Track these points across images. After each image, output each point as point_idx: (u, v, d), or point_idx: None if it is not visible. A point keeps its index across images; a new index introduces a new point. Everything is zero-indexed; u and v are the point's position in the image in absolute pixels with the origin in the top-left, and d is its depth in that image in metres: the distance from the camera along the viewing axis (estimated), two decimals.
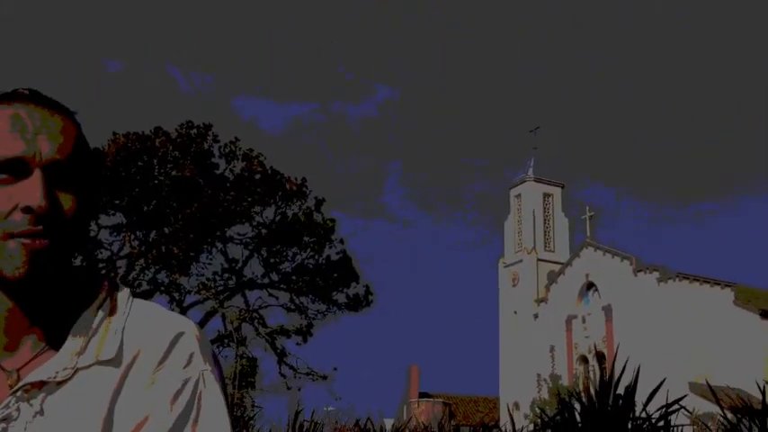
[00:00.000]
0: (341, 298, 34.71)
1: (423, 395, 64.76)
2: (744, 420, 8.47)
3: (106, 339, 1.38)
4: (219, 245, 33.29)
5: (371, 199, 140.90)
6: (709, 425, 9.65)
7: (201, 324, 33.08)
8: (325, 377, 34.26)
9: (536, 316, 59.02)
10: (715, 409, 9.12)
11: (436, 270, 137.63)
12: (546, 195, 64.33)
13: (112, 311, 1.42)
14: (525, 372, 56.12)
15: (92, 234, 30.40)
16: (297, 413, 11.26)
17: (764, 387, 8.49)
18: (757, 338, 48.32)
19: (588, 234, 56.91)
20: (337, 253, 34.32)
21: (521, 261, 61.74)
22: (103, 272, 1.64)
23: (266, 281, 34.21)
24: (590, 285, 55.71)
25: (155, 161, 31.03)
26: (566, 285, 57.34)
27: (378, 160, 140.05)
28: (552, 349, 55.97)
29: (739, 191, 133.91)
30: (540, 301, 59.25)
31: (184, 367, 1.37)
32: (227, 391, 1.44)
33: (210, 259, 33.32)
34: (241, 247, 33.57)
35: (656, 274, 50.78)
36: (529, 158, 65.76)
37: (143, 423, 1.33)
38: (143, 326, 1.41)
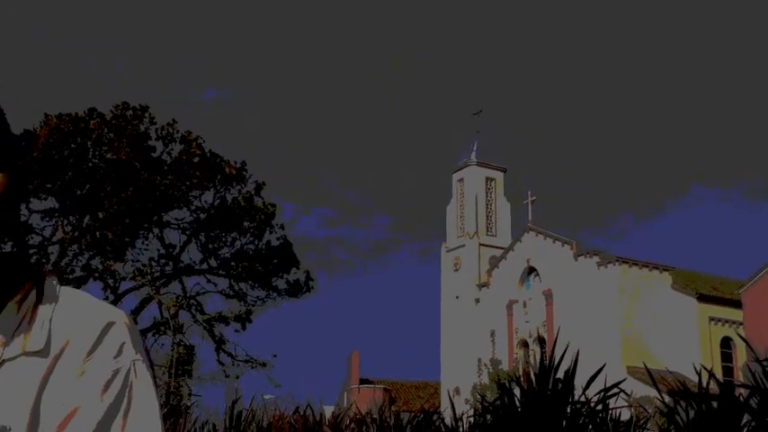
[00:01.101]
0: (281, 284, 34.63)
1: (363, 381, 65.00)
2: (681, 403, 8.68)
3: (33, 330, 1.36)
4: (156, 230, 32.90)
5: (312, 183, 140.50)
6: (646, 408, 9.87)
7: (137, 311, 32.71)
8: (264, 364, 34.17)
9: (477, 301, 59.59)
10: (653, 392, 9.33)
11: (378, 255, 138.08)
12: (488, 180, 64.86)
13: (40, 301, 1.40)
14: (466, 357, 56.71)
15: (22, 219, 29.74)
16: (234, 401, 11.21)
17: (701, 370, 8.71)
18: (695, 322, 49.53)
19: (530, 219, 57.60)
20: (278, 238, 34.20)
21: (463, 246, 62.22)
22: (34, 258, 1.61)
23: (204, 267, 33.93)
24: (531, 270, 56.44)
25: (89, 143, 30.49)
26: (507, 270, 57.99)
27: (319, 142, 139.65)
28: (493, 334, 56.62)
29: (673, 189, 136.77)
30: (481, 285, 59.83)
31: (115, 357, 1.35)
32: (157, 381, 1.44)
33: (147, 245, 32.94)
34: (179, 232, 33.23)
35: (596, 258, 51.66)
36: (471, 142, 66.20)
37: (73, 414, 1.31)
38: (72, 315, 1.39)
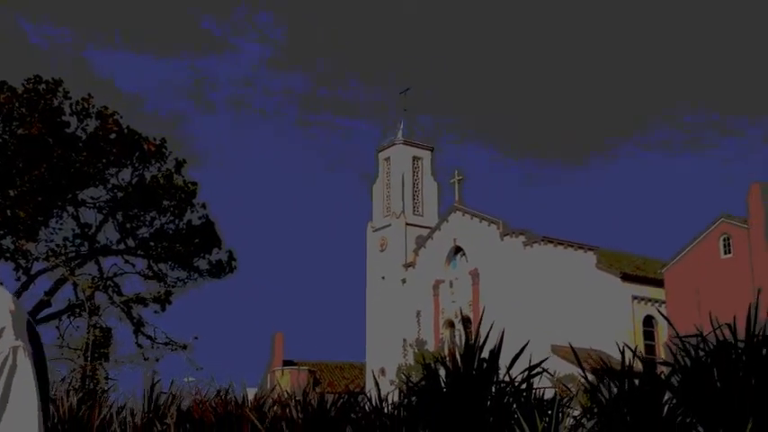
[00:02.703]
0: (202, 264, 34.26)
1: (287, 363, 64.95)
2: (604, 381, 8.89)
3: None
4: (71, 209, 32.17)
5: (237, 158, 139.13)
6: (570, 386, 10.08)
7: (50, 293, 32.04)
8: (185, 347, 33.82)
9: (404, 281, 59.96)
10: (577, 370, 9.53)
11: (303, 234, 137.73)
12: (415, 159, 65.12)
13: None
14: (392, 337, 57.10)
15: None
16: (153, 385, 11.08)
17: (624, 348, 8.93)
18: (619, 301, 50.77)
19: (456, 198, 58.10)
20: (199, 218, 33.77)
21: (389, 225, 62.45)
22: None
23: (122, 247, 33.36)
24: (458, 250, 57.00)
25: None
26: (434, 250, 58.45)
27: (245, 119, 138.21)
28: (419, 314, 57.09)
29: (603, 153, 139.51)
30: (407, 265, 60.20)
31: None
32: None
33: (61, 224, 32.19)
34: (94, 211, 32.55)
35: (522, 238, 52.43)
36: (399, 121, 66.32)
37: None
38: None
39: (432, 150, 66.01)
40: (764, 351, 7.88)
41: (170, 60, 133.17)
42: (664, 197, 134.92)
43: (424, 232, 60.72)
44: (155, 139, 32.13)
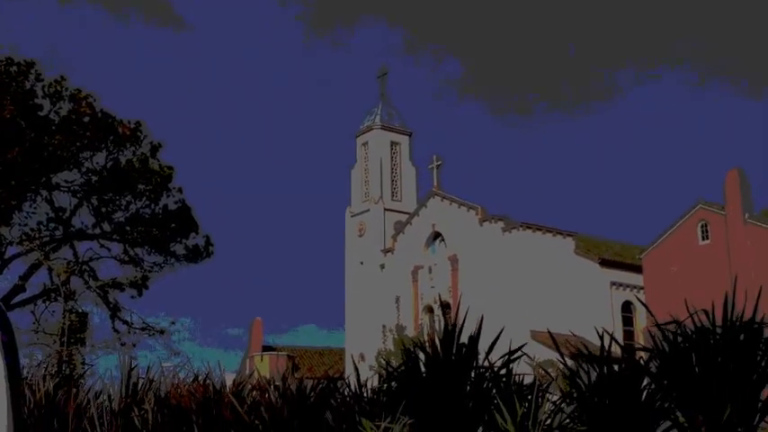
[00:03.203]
0: (179, 249, 34.19)
1: (266, 348, 64.97)
2: (583, 366, 8.98)
3: None
4: (45, 192, 31.95)
5: (214, 142, 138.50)
6: (549, 372, 10.17)
7: (25, 277, 31.86)
8: (162, 332, 33.80)
9: (382, 266, 60.03)
10: (556, 356, 9.61)
11: (281, 220, 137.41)
12: (393, 143, 65.09)
13: None
14: (371, 323, 57.22)
15: None
16: (130, 370, 11.07)
17: (603, 334, 9.02)
18: (597, 286, 51.10)
19: (435, 184, 58.15)
20: (175, 202, 33.67)
21: (368, 211, 62.45)
22: None
23: (97, 231, 33.20)
24: (436, 235, 57.11)
25: None
26: (412, 236, 58.53)
27: (223, 100, 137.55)
28: (398, 300, 57.23)
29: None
30: (386, 251, 60.26)
31: None
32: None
33: (35, 208, 31.97)
34: (69, 194, 32.36)
35: (501, 223, 52.60)
36: (376, 104, 66.23)
37: None
38: None
39: (410, 135, 65.99)
40: (742, 337, 7.99)
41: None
42: (647, 178, 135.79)
43: (403, 218, 60.76)
44: (129, 123, 31.95)
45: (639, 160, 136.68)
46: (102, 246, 33.46)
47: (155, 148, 32.73)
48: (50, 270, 31.71)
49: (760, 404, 8.05)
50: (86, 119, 30.80)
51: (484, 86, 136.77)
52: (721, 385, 7.70)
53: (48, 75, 30.65)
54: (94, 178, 31.86)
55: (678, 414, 8.30)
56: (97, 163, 31.89)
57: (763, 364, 8.02)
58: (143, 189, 32.61)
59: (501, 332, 9.46)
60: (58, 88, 30.62)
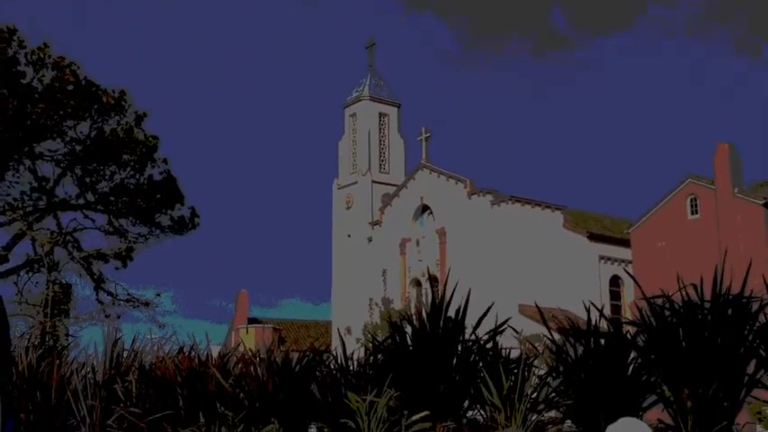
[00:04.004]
0: (164, 220, 34.03)
1: (252, 321, 65.09)
2: (570, 340, 9.02)
3: None
4: (28, 162, 31.73)
5: (199, 113, 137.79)
6: (536, 346, 10.23)
7: (8, 248, 31.72)
8: (147, 304, 33.73)
9: (370, 239, 60.08)
10: (544, 330, 9.66)
11: (268, 191, 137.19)
12: (382, 115, 64.90)
13: None
14: (358, 296, 57.36)
15: None
16: (115, 342, 11.06)
17: (590, 308, 9.06)
18: (585, 260, 51.31)
19: (424, 156, 58.08)
20: (161, 173, 33.48)
21: (355, 183, 62.37)
22: None
23: (81, 201, 33.02)
24: (425, 208, 57.14)
25: None
26: (400, 208, 58.54)
27: (208, 69, 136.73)
28: (385, 273, 57.34)
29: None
30: (374, 224, 60.28)
31: None
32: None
33: (17, 177, 31.74)
34: (52, 164, 32.13)
35: (490, 197, 52.66)
36: (365, 76, 65.96)
37: None
38: None
39: (398, 107, 65.80)
40: (730, 311, 8.03)
41: None
42: (633, 154, 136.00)
43: (391, 190, 60.73)
44: (114, 92, 31.70)
45: (630, 133, 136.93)
46: (86, 216, 33.31)
47: (139, 118, 32.51)
48: (33, 240, 31.58)
49: (746, 379, 8.11)
50: (70, 87, 30.53)
51: (475, 57, 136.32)
52: (708, 360, 7.75)
53: (30, 42, 30.35)
54: (78, 148, 31.64)
55: (664, 388, 8.36)
56: (81, 132, 31.67)
57: (750, 338, 8.07)
58: (128, 159, 32.42)
59: (490, 308, 9.49)
60: (41, 56, 30.32)
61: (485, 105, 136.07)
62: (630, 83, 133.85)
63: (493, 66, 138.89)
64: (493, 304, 9.94)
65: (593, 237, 52.25)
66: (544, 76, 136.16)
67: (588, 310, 8.87)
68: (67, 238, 32.78)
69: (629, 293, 50.34)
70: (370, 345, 10.65)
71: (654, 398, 8.58)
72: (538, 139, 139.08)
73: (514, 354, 9.54)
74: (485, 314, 9.31)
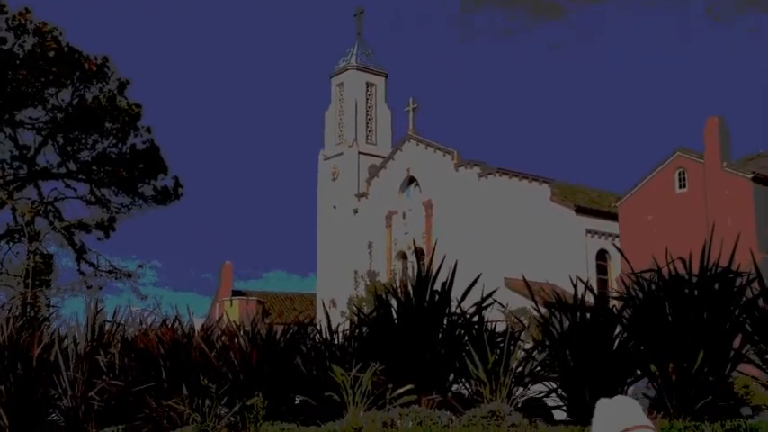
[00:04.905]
0: (147, 190, 33.93)
1: (236, 293, 65.11)
2: (556, 314, 9.07)
3: None
4: (8, 129, 31.53)
5: (183, 82, 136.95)
6: (522, 319, 10.28)
7: None
8: (129, 275, 33.69)
9: (356, 211, 60.05)
10: (530, 304, 9.70)
11: (253, 162, 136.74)
12: (369, 85, 64.65)
13: None
14: (343, 269, 57.39)
15: None
16: (97, 313, 11.05)
17: (577, 282, 9.10)
18: (572, 234, 51.49)
19: (411, 127, 57.95)
20: (144, 142, 33.33)
21: (341, 154, 62.22)
22: None
23: (63, 170, 32.86)
24: (411, 180, 57.09)
25: None
26: (387, 180, 58.47)
27: (192, 37, 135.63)
28: (370, 245, 57.36)
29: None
30: (360, 195, 60.23)
31: None
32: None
33: None
34: (33, 132, 31.94)
35: (477, 169, 52.63)
36: (352, 44, 65.61)
37: None
38: None
39: (386, 77, 65.54)
40: (717, 286, 8.08)
41: None
42: (624, 125, 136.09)
43: (377, 161, 60.60)
44: (96, 58, 31.46)
45: (619, 105, 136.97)
46: (67, 186, 33.16)
47: (122, 86, 32.29)
48: (14, 210, 31.43)
49: (732, 353, 8.19)
50: (52, 54, 30.28)
51: (464, 25, 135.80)
52: (694, 334, 7.81)
53: (11, 8, 30.05)
54: (60, 115, 31.43)
55: (650, 363, 8.42)
56: (63, 100, 31.45)
57: (736, 313, 8.13)
58: (110, 128, 32.23)
59: (476, 281, 9.52)
60: (23, 21, 30.04)
61: (473, 76, 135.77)
62: (621, 52, 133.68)
63: (483, 35, 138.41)
64: (479, 277, 9.96)
65: (581, 210, 52.40)
66: (533, 46, 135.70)
67: (575, 285, 8.91)
68: (49, 207, 32.64)
69: (616, 268, 50.55)
70: (356, 318, 10.68)
71: (639, 372, 8.64)
72: (526, 111, 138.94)
73: (500, 327, 9.59)
74: (470, 287, 9.32)
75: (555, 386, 9.12)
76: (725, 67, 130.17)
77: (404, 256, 56.23)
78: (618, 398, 1.86)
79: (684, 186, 44.78)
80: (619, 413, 1.79)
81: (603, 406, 1.83)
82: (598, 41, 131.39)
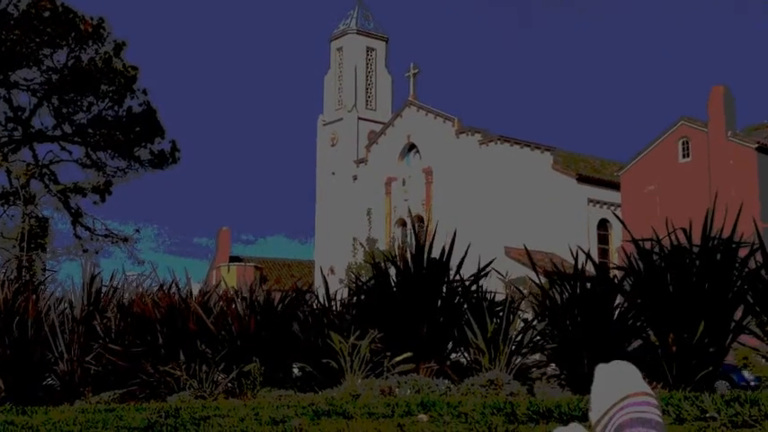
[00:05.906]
0: (144, 154, 33.84)
1: (233, 259, 65.27)
2: (556, 284, 9.09)
3: None
4: (2, 90, 31.41)
5: (181, 44, 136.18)
6: (521, 289, 10.30)
7: None
8: (126, 239, 33.72)
9: (355, 177, 60.02)
10: (530, 273, 9.72)
11: (252, 126, 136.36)
12: (369, 49, 64.32)
13: None
14: (342, 235, 57.48)
15: None
16: (93, 277, 11.07)
17: (577, 251, 9.11)
18: (574, 203, 51.51)
19: (411, 93, 57.75)
20: (140, 105, 33.19)
21: (341, 120, 62.06)
22: None
23: (58, 133, 32.77)
24: (411, 147, 57.01)
25: None
26: (386, 146, 58.38)
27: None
28: (369, 212, 57.42)
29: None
30: (359, 162, 60.17)
31: None
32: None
33: None
34: (28, 93, 31.81)
35: (478, 136, 52.56)
36: (352, 7, 65.19)
37: None
38: None
39: (386, 41, 65.20)
40: (719, 256, 8.10)
41: None
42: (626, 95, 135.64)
43: (377, 127, 60.49)
44: (92, 19, 31.25)
45: (623, 74, 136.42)
46: (63, 148, 33.08)
47: (118, 47, 32.10)
48: (9, 172, 31.39)
49: (733, 324, 8.22)
50: (47, 14, 30.10)
51: None
52: (695, 305, 7.83)
53: None
54: (55, 77, 31.28)
55: (650, 333, 8.46)
56: (58, 61, 31.29)
57: (738, 284, 8.15)
58: (106, 90, 32.09)
59: (468, 249, 9.50)
60: None
61: (476, 42, 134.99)
62: (626, 21, 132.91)
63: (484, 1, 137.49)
64: (477, 245, 9.97)
65: (583, 179, 52.39)
66: (537, 13, 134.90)
67: (576, 254, 8.91)
68: (44, 170, 32.60)
69: (617, 238, 50.66)
70: (354, 285, 10.71)
71: (639, 342, 8.68)
72: (529, 79, 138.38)
73: (500, 297, 9.61)
74: (465, 255, 9.32)
75: (554, 355, 9.17)
76: (731, 35, 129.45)
77: (403, 223, 56.32)
78: (616, 363, 1.87)
79: (688, 156, 44.73)
80: (619, 379, 1.81)
81: (603, 371, 1.85)
82: (604, 5, 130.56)
